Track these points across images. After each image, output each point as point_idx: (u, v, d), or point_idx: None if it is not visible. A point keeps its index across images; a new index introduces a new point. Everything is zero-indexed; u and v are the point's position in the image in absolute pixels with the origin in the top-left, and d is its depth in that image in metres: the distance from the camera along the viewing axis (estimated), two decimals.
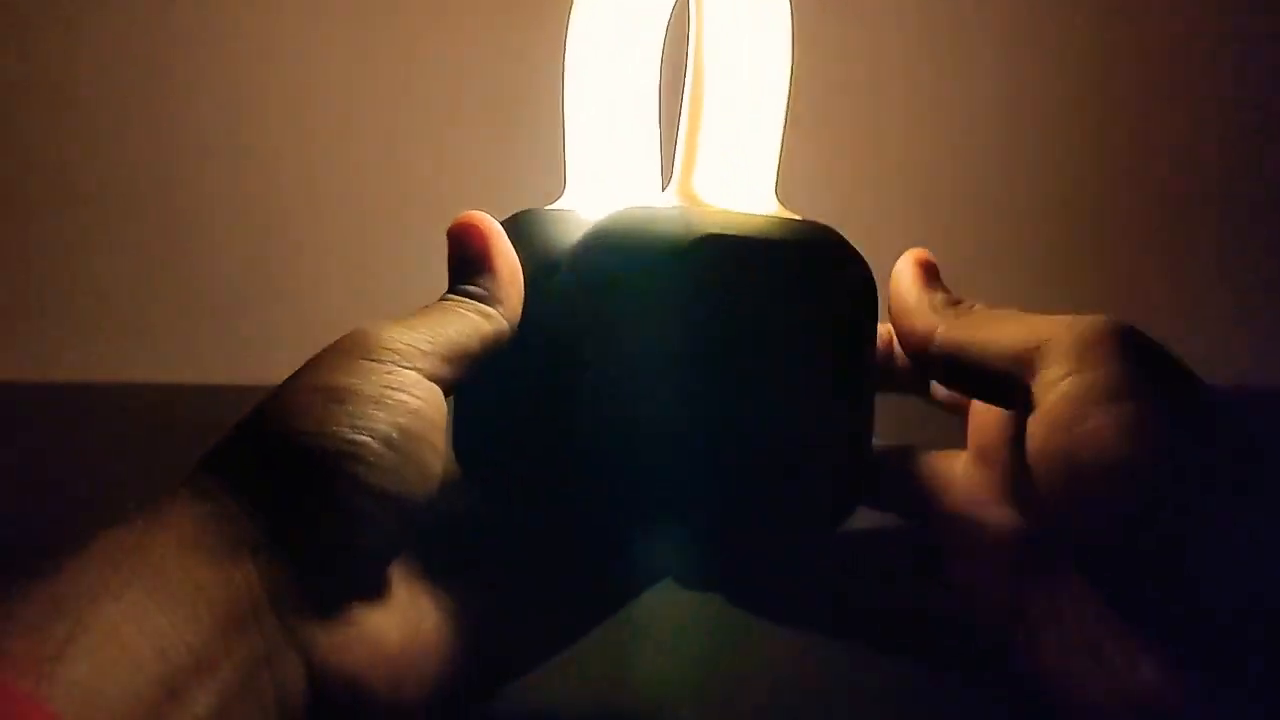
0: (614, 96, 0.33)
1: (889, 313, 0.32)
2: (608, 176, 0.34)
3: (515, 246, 0.31)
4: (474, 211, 0.31)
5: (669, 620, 0.41)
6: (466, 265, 0.30)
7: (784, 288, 0.31)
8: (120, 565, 0.23)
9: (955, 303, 0.31)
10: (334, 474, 0.26)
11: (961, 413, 0.34)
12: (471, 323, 0.29)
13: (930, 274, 0.32)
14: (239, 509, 0.25)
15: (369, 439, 0.26)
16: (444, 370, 0.28)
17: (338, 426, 0.26)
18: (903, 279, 0.32)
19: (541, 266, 0.31)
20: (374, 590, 0.27)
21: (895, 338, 0.34)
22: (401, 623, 0.28)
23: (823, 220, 0.32)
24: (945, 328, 0.30)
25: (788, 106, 0.33)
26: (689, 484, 0.31)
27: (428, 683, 0.28)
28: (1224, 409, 0.26)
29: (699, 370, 0.30)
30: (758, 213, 0.33)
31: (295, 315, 0.64)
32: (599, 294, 0.29)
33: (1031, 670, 0.28)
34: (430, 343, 0.28)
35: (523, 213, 0.33)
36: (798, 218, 0.33)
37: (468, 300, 0.30)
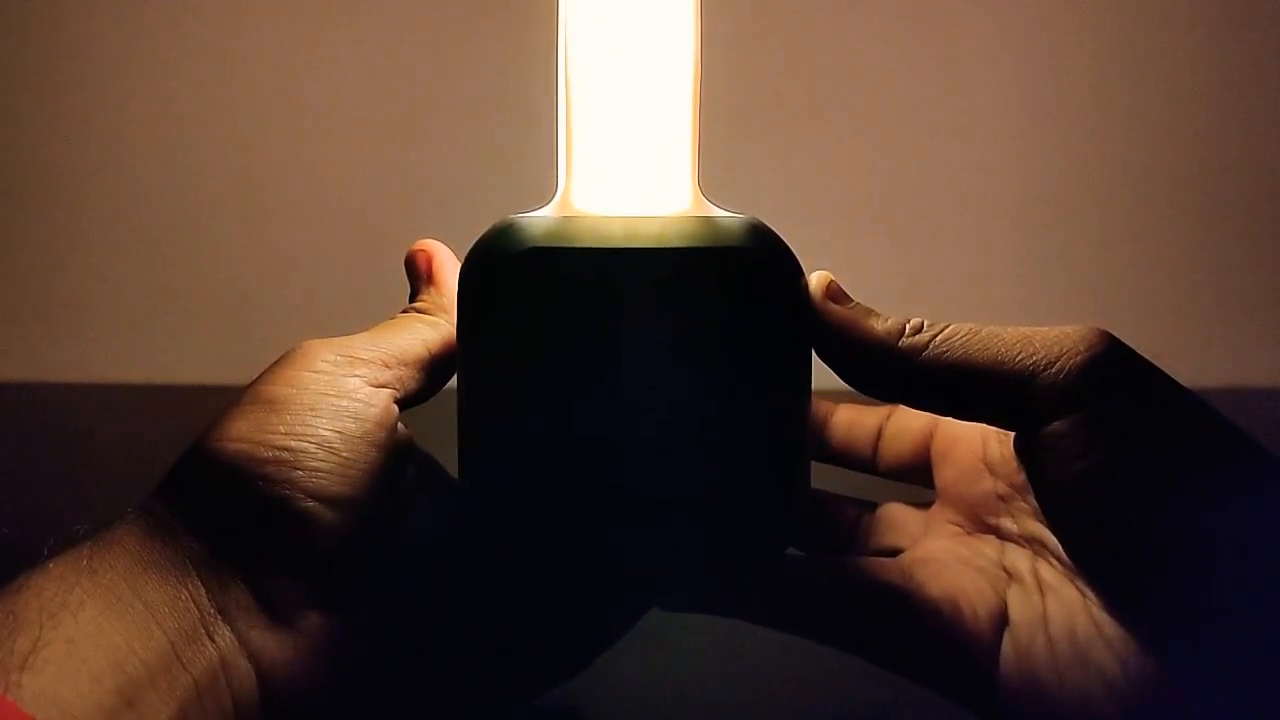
0: (605, 95, 0.32)
1: (828, 338, 0.29)
2: (604, 179, 0.33)
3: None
4: (426, 240, 0.33)
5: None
6: (415, 284, 0.33)
7: (669, 297, 0.28)
8: (74, 585, 0.24)
9: (898, 326, 0.29)
10: (270, 481, 0.26)
11: (909, 478, 0.34)
12: (416, 331, 0.31)
13: (844, 298, 0.30)
14: (182, 527, 0.26)
15: (305, 444, 0.26)
16: (387, 375, 0.29)
17: (272, 434, 0.26)
18: (827, 304, 0.29)
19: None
20: (330, 597, 0.27)
21: (837, 395, 0.33)
22: (360, 631, 0.28)
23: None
24: (935, 343, 0.28)
25: (695, 101, 0.31)
26: (610, 515, 0.29)
27: (390, 689, 0.28)
28: (1208, 412, 0.26)
29: (590, 392, 0.28)
30: (657, 214, 0.30)
31: (295, 315, 0.64)
32: (466, 313, 0.29)
33: (1021, 674, 0.28)
34: (370, 350, 0.29)
35: (510, 221, 0.31)
36: (715, 214, 0.30)
37: (414, 313, 0.32)
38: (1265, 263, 0.65)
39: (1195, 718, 0.25)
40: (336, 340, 0.29)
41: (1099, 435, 0.26)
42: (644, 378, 0.28)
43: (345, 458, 0.27)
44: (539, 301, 0.28)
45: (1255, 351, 0.65)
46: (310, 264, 0.64)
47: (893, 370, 0.28)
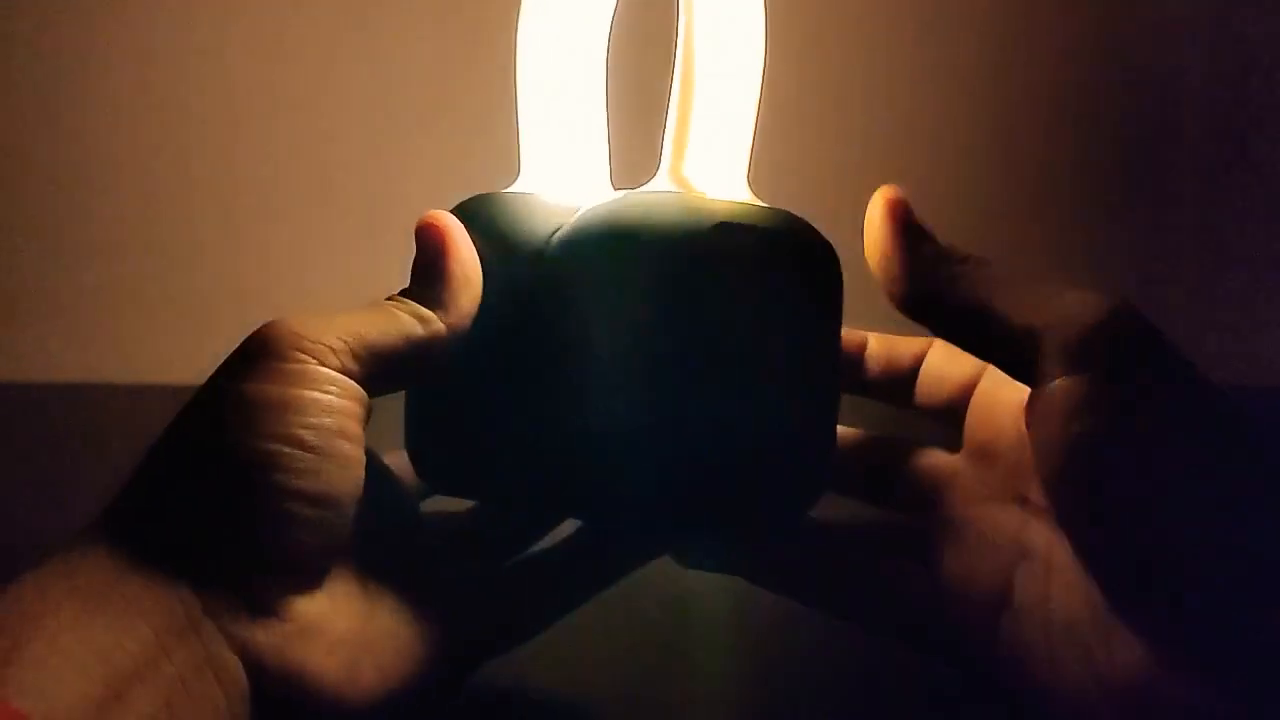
0: (566, 79, 0.33)
1: (873, 264, 0.30)
2: (562, 161, 0.34)
3: (473, 232, 0.30)
4: (436, 211, 0.31)
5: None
6: (419, 266, 0.30)
7: (770, 279, 0.30)
8: (50, 589, 0.24)
9: (944, 255, 0.29)
10: (254, 486, 0.26)
11: (945, 420, 0.34)
12: (400, 324, 0.29)
13: (906, 217, 0.30)
14: (158, 530, 0.26)
15: (284, 447, 0.26)
16: (357, 368, 0.28)
17: (252, 437, 0.26)
18: (882, 226, 0.30)
19: (509, 253, 0.30)
20: (314, 584, 0.27)
21: (868, 342, 0.34)
22: (350, 613, 0.28)
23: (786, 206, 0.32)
24: (961, 282, 0.28)
25: (760, 94, 0.32)
26: (659, 472, 0.30)
27: (388, 670, 0.28)
28: (1220, 402, 0.26)
29: (681, 357, 0.29)
30: (741, 200, 0.32)
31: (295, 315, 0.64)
32: (601, 281, 0.29)
33: (1015, 655, 0.28)
34: (342, 340, 0.28)
35: (482, 196, 0.33)
36: (767, 206, 0.32)
37: (406, 302, 0.30)
38: (1265, 262, 0.65)
39: (1183, 716, 0.25)
40: (308, 320, 0.28)
41: (1099, 401, 0.25)
42: (675, 342, 0.29)
43: (323, 453, 0.26)
44: (713, 277, 0.29)
45: (1255, 351, 0.65)
46: (311, 264, 0.64)
47: (920, 298, 0.28)
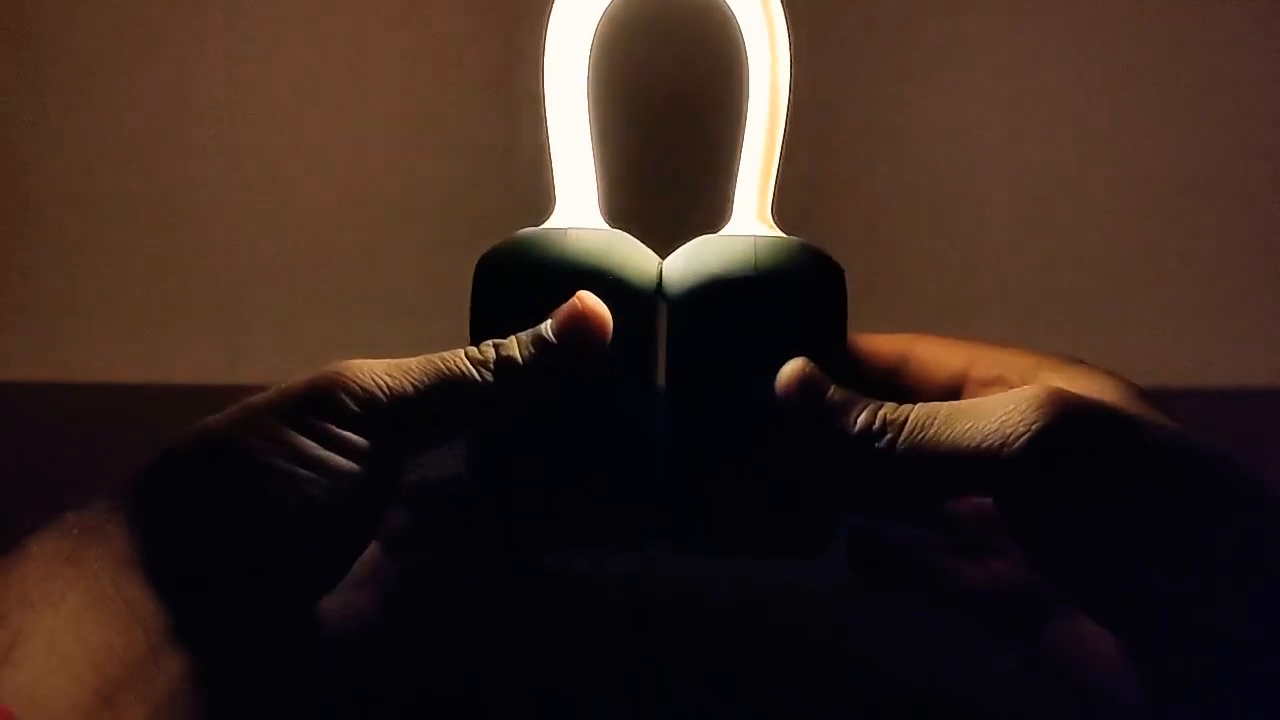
0: (584, 109, 0.35)
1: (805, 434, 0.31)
2: (590, 192, 0.36)
3: (563, 272, 0.32)
4: (589, 298, 0.31)
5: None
6: (538, 327, 0.31)
7: (822, 314, 0.32)
8: (56, 576, 0.24)
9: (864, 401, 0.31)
10: (258, 499, 0.27)
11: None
12: (454, 386, 0.29)
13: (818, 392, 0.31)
14: (168, 528, 0.26)
15: (294, 467, 0.27)
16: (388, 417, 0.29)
17: (265, 446, 0.27)
18: (798, 399, 0.31)
19: (611, 295, 0.31)
20: (307, 603, 0.29)
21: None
22: (342, 618, 0.30)
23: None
24: (903, 441, 0.29)
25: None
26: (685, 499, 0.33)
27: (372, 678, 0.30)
28: (1172, 465, 0.27)
29: (732, 389, 0.32)
30: (780, 236, 0.35)
31: (295, 315, 0.64)
32: (745, 326, 0.31)
33: (1050, 648, 0.32)
34: (387, 395, 0.29)
35: (548, 232, 0.34)
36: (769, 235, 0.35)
37: (470, 364, 0.30)
38: (1265, 262, 0.65)
39: None
40: (366, 371, 0.29)
41: (1056, 510, 0.27)
42: (690, 387, 0.32)
43: (332, 484, 0.27)
44: (789, 313, 0.32)
45: (1255, 351, 0.65)
46: (311, 264, 0.64)
47: (869, 471, 0.30)
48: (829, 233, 0.57)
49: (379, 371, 0.29)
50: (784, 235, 0.34)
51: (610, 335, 0.31)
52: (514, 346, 0.30)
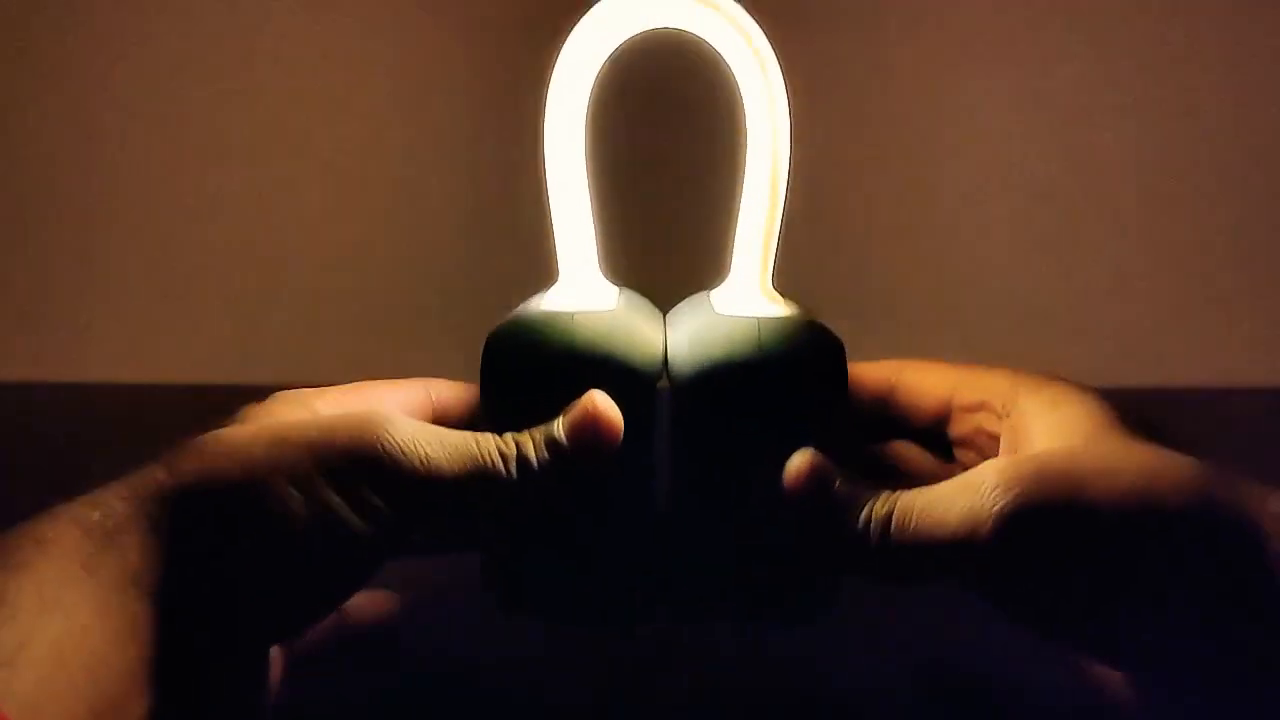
0: (584, 188, 0.36)
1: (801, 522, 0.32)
2: (591, 265, 0.37)
3: (567, 355, 0.32)
4: (600, 403, 0.31)
5: None
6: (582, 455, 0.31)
7: (825, 389, 0.33)
8: (71, 584, 0.25)
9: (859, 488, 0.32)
10: (272, 540, 0.27)
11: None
12: (463, 447, 0.30)
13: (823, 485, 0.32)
14: (182, 551, 0.26)
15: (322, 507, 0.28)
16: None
17: (285, 489, 0.27)
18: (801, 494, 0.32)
19: (614, 378, 0.32)
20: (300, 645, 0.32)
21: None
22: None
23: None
24: (891, 535, 0.30)
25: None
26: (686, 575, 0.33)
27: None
28: (1132, 526, 0.28)
29: (735, 467, 0.32)
30: (781, 315, 0.35)
31: (295, 316, 0.64)
32: (752, 408, 0.32)
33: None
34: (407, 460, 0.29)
35: (555, 315, 0.34)
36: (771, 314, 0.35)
37: (487, 439, 0.31)
38: (1265, 262, 0.65)
39: None
40: (410, 437, 0.30)
41: (1025, 586, 0.29)
42: (696, 466, 0.33)
43: (350, 540, 0.28)
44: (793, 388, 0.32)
45: (1255, 351, 0.65)
46: (311, 264, 0.64)
47: (868, 560, 0.30)
48: (829, 228, 0.57)
49: (421, 440, 0.29)
50: (785, 309, 0.35)
51: (621, 437, 0.31)
52: (530, 447, 0.31)
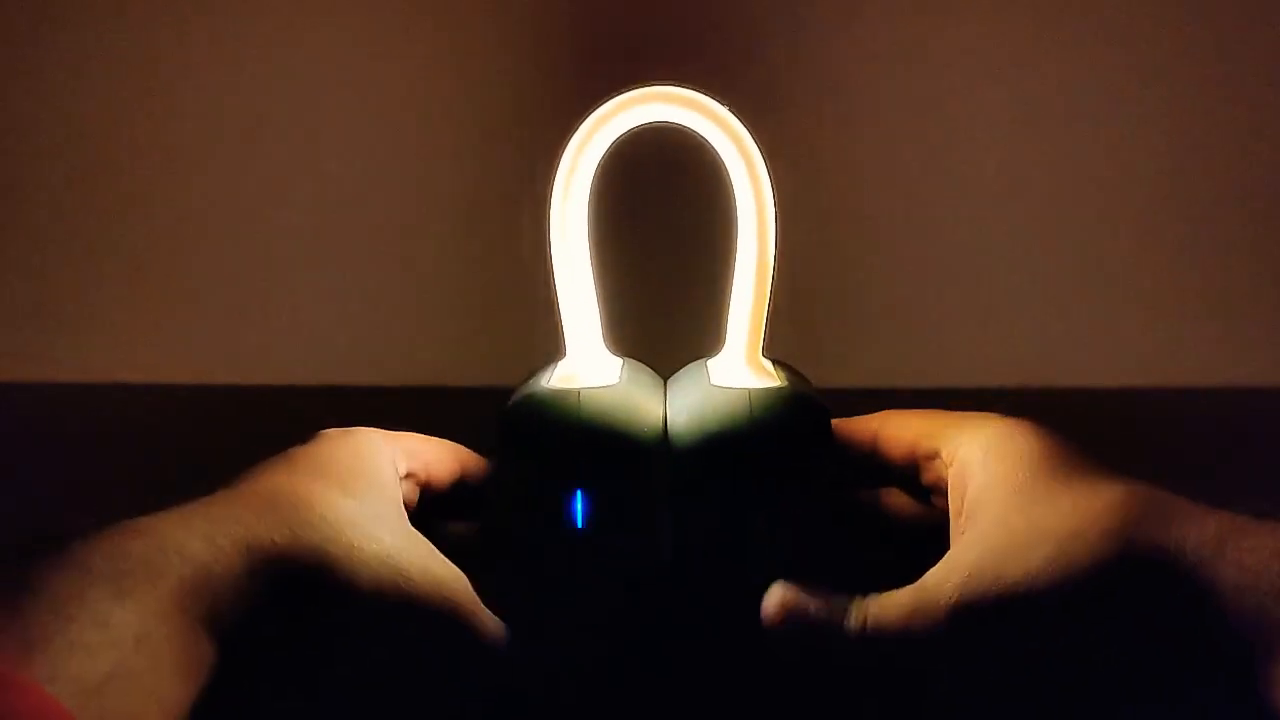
0: (588, 271, 0.39)
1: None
2: (593, 331, 0.40)
3: (556, 431, 0.36)
4: None
5: None
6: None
7: (810, 451, 0.37)
8: (165, 621, 0.26)
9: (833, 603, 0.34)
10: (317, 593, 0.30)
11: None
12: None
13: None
14: (253, 607, 0.29)
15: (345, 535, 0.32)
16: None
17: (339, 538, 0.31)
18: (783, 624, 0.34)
19: (607, 456, 0.36)
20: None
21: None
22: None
23: None
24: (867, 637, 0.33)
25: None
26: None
27: None
28: (1070, 620, 0.30)
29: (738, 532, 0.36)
30: (771, 386, 0.38)
31: (295, 316, 0.64)
32: (750, 480, 0.35)
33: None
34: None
35: (561, 393, 0.38)
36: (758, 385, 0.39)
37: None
38: (1265, 262, 0.65)
39: None
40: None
41: (976, 671, 0.31)
42: (696, 530, 0.36)
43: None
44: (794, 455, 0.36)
45: (1255, 352, 0.65)
46: (311, 264, 0.64)
47: (842, 664, 0.33)
48: (829, 225, 0.57)
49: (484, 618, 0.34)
50: (775, 380, 0.38)
51: None
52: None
